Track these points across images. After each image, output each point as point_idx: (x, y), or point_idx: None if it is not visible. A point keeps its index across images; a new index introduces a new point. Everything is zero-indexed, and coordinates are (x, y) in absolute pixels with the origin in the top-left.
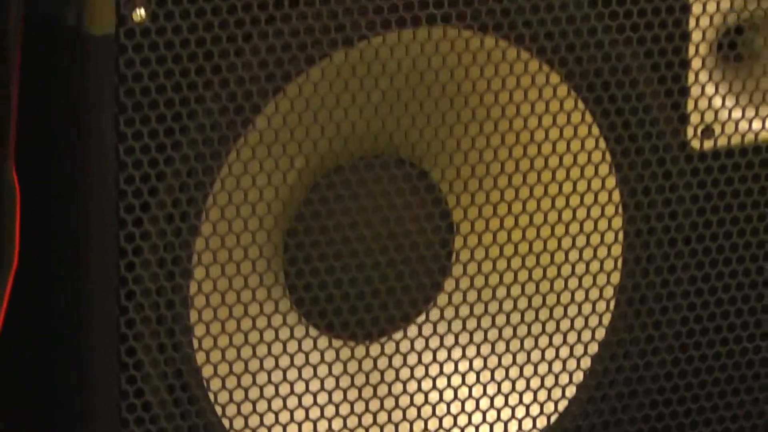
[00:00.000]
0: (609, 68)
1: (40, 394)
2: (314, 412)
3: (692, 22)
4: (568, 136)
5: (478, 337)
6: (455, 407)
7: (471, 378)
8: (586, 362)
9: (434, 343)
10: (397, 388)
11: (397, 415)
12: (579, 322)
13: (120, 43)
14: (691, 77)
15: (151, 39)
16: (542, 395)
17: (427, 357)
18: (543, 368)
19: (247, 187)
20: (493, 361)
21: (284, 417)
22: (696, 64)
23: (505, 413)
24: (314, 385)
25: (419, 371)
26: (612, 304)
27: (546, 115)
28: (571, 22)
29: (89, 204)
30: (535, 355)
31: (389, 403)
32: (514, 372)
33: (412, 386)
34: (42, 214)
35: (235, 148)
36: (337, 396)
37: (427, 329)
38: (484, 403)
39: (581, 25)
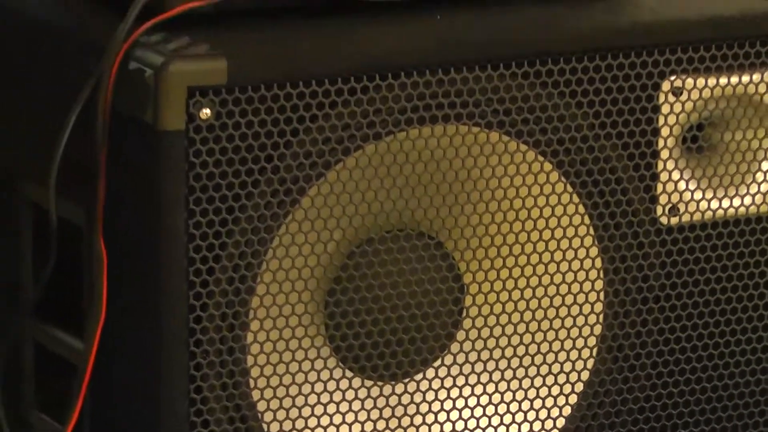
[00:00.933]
0: (592, 158)
1: (120, 429)
2: None
3: (661, 120)
4: (559, 213)
5: (485, 378)
6: None
7: (479, 411)
8: (573, 399)
9: (448, 383)
10: (418, 419)
11: None
12: (567, 366)
13: (189, 137)
14: (660, 165)
15: (215, 133)
16: (537, 426)
17: (442, 394)
18: (538, 403)
19: (294, 255)
20: (497, 397)
21: None
22: (664, 154)
23: None
24: (349, 417)
25: (436, 406)
26: (594, 351)
27: (540, 196)
28: (561, 120)
29: (164, 268)
30: (531, 393)
31: None
32: (514, 406)
33: (430, 418)
34: (125, 276)
35: (285, 223)
36: (368, 426)
37: (443, 372)
38: None
39: (570, 122)
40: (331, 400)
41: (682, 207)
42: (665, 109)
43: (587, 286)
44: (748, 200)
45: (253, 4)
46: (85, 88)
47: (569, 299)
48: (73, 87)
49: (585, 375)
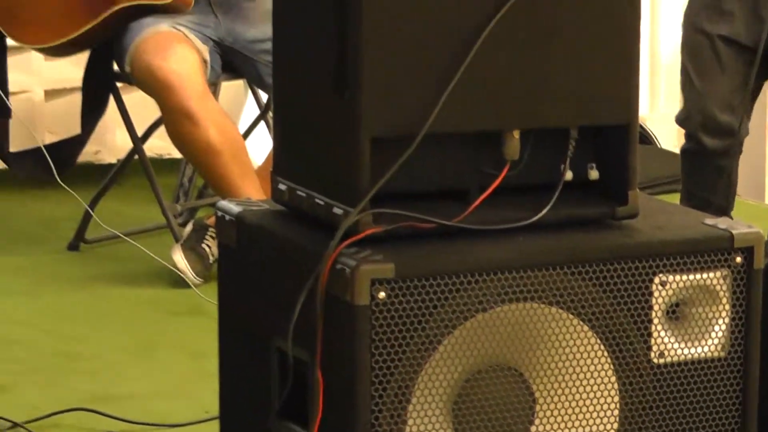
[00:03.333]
0: (612, 323)
1: None
2: None
3: (653, 301)
4: (592, 356)
5: None
6: None
7: None
8: None
9: None
10: None
11: None
12: None
13: (372, 309)
14: (653, 327)
15: (387, 307)
16: None
17: None
18: None
19: (434, 380)
20: None
21: None
22: (656, 321)
23: None
24: None
25: None
26: None
27: (581, 346)
28: (594, 299)
29: (356, 387)
30: None
31: None
32: None
33: None
34: (333, 391)
35: (428, 361)
36: None
37: None
38: None
39: (599, 301)
40: None
41: (667, 353)
42: (656, 294)
43: (609, 399)
44: (707, 349)
45: (407, 232)
46: (311, 279)
47: (597, 407)
48: (301, 279)
49: None
